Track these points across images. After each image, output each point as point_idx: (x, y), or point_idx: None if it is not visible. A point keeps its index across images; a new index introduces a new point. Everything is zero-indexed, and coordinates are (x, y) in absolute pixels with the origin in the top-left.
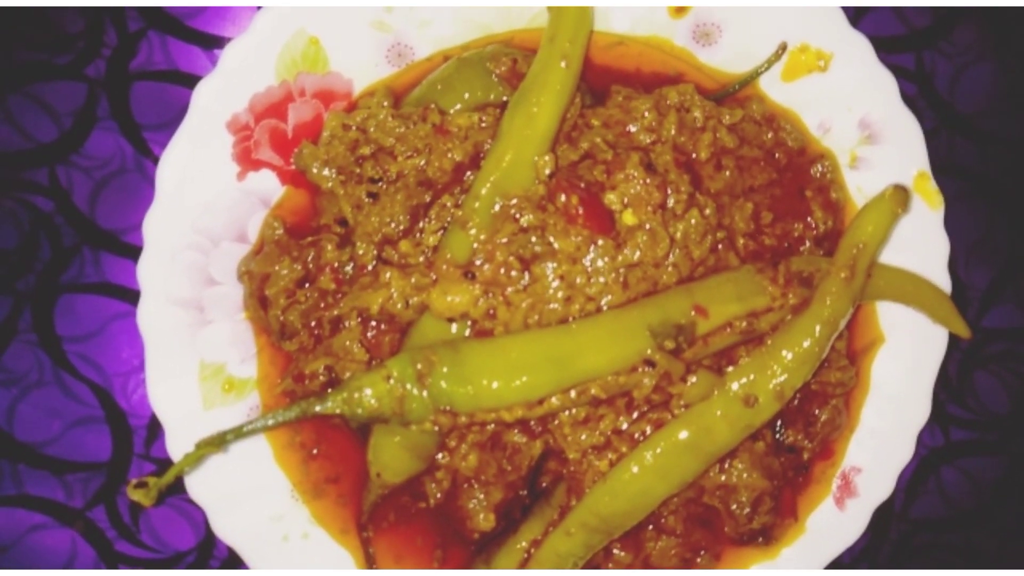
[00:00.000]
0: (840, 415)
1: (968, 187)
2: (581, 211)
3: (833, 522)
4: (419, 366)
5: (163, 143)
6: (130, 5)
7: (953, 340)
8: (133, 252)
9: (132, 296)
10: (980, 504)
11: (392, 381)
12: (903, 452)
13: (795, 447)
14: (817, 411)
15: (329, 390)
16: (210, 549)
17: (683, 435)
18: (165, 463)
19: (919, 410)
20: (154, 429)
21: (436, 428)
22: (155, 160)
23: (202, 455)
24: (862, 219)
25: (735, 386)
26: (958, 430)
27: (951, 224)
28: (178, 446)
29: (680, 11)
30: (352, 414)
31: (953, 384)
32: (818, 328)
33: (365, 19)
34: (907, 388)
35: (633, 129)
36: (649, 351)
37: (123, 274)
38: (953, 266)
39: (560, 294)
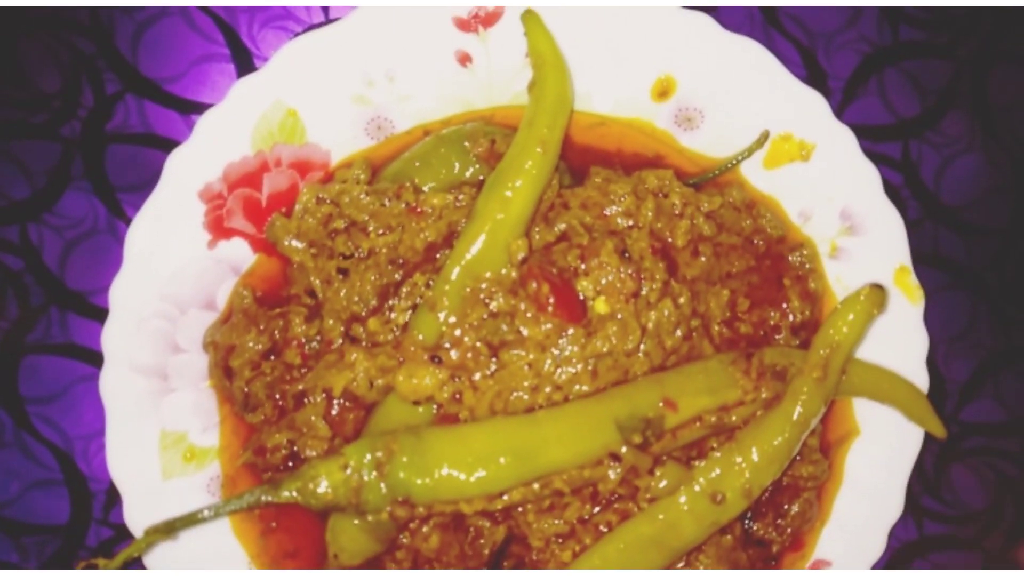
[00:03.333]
0: (811, 508)
1: (951, 279)
2: (552, 300)
3: None
4: (379, 454)
5: (137, 205)
6: (108, 66)
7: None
8: (100, 314)
9: (97, 359)
10: None
11: (349, 470)
12: (875, 547)
13: (764, 540)
14: (787, 504)
15: (284, 478)
16: None
17: (648, 529)
18: (123, 529)
19: (892, 505)
20: (113, 494)
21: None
22: (128, 222)
23: (151, 542)
24: (837, 318)
25: (702, 481)
26: (932, 524)
27: (933, 315)
28: (136, 516)
29: (663, 95)
30: (306, 503)
31: (929, 477)
32: (789, 428)
33: (345, 93)
34: (881, 483)
35: (610, 212)
36: (615, 445)
37: (89, 336)
38: (933, 358)
39: (527, 382)
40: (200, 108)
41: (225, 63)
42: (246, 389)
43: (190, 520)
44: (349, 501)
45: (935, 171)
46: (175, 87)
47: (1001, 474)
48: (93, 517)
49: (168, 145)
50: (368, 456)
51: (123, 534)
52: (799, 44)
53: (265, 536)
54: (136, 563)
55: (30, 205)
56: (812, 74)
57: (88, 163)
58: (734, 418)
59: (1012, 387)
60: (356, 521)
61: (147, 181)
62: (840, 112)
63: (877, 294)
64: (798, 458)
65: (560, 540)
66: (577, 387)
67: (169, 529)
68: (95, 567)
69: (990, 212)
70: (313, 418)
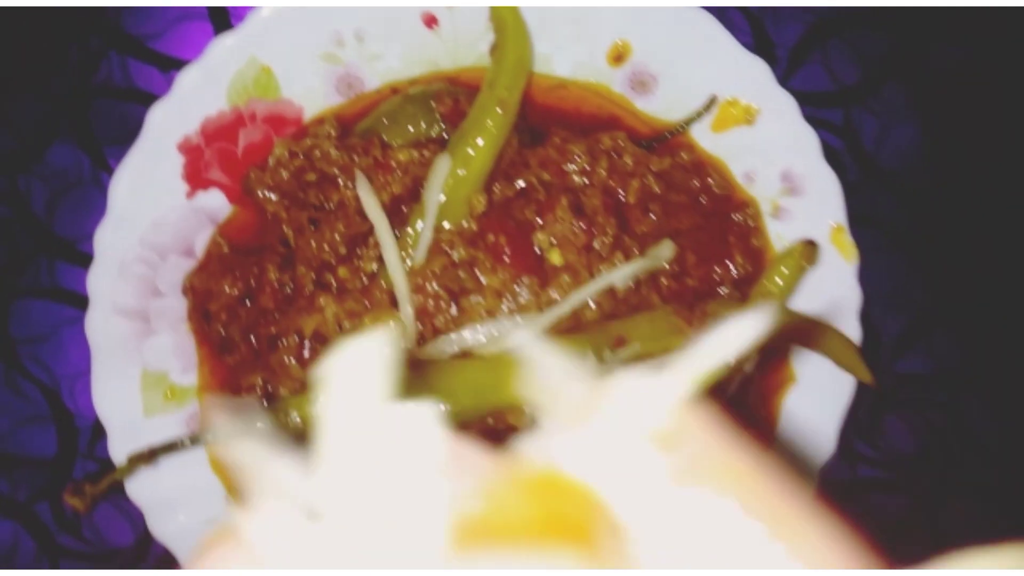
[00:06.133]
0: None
1: (887, 239)
2: (508, 250)
3: None
4: None
5: (120, 157)
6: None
7: (866, 385)
8: (86, 260)
9: (83, 302)
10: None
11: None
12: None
13: None
14: None
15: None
16: (147, 547)
17: None
18: (107, 463)
19: (824, 447)
20: (98, 430)
21: None
22: (111, 172)
23: (134, 467)
24: (772, 271)
25: None
26: (866, 467)
27: (869, 273)
28: (119, 450)
29: (618, 60)
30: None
31: (864, 426)
32: (723, 371)
33: (316, 51)
34: (814, 427)
35: (566, 170)
36: None
37: (75, 281)
38: (868, 314)
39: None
40: (180, 64)
41: (203, 21)
42: (223, 332)
43: (170, 447)
44: None
45: (875, 137)
46: (156, 44)
47: (930, 423)
48: (79, 451)
49: (149, 99)
50: None
51: (107, 467)
52: (749, 14)
53: None
54: (120, 491)
55: (19, 157)
56: (760, 43)
57: (74, 117)
58: None
59: (942, 342)
60: None
61: (129, 135)
62: (786, 79)
63: (808, 249)
64: None
65: None
66: None
67: (151, 456)
68: (82, 490)
69: (924, 177)
70: (286, 359)
